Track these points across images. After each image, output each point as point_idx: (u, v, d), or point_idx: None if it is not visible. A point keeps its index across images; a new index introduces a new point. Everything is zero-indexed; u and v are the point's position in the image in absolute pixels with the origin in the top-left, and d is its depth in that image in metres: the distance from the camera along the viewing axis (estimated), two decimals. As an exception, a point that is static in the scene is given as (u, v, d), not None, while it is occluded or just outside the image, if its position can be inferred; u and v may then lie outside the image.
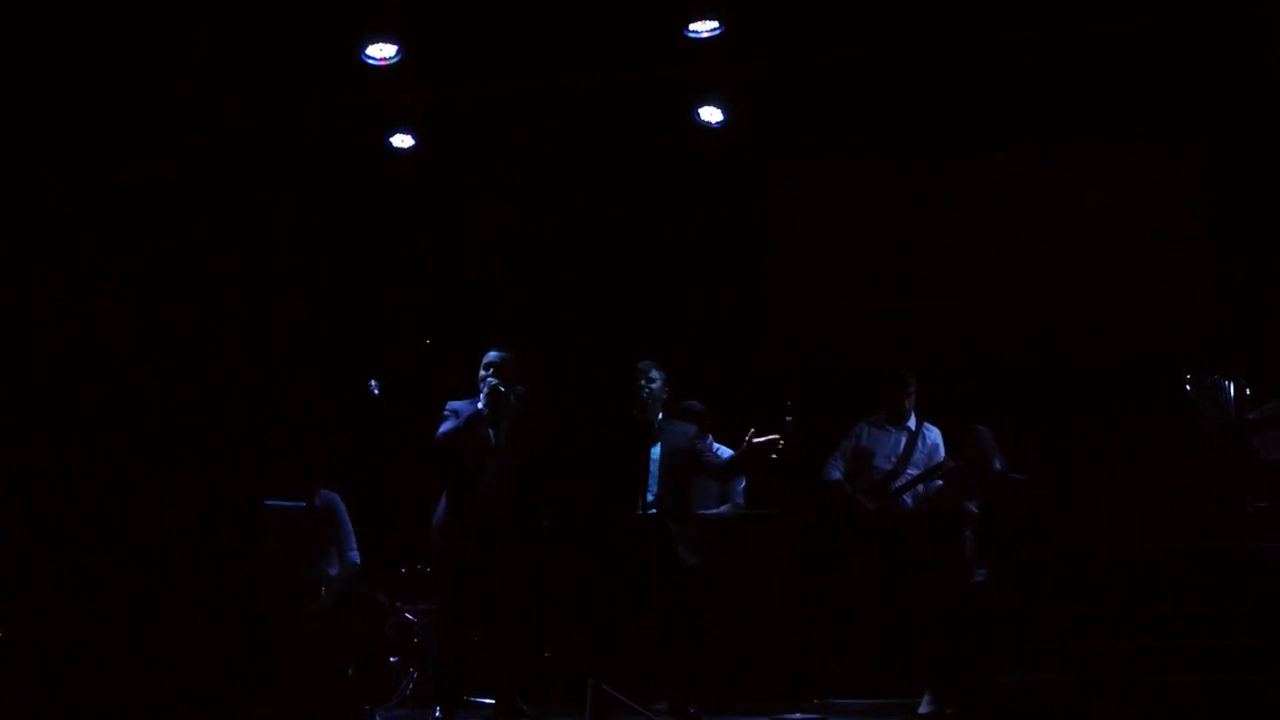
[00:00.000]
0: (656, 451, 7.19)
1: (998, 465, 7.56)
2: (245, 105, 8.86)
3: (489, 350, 7.33)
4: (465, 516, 7.17)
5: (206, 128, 8.85)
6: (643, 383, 7.28)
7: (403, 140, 9.04)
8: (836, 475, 8.02)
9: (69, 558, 7.79)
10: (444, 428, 7.22)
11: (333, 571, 7.74)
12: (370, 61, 8.16)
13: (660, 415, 7.23)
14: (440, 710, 7.11)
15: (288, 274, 9.40)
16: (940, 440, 8.05)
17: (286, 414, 9.10)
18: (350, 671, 7.46)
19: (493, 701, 7.32)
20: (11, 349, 8.01)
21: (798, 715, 7.12)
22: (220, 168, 8.99)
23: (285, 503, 7.74)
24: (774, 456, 6.82)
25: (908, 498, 7.93)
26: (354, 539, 7.84)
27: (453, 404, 7.29)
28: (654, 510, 7.07)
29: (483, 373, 7.24)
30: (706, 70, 8.49)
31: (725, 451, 8.25)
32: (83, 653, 7.50)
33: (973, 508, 7.41)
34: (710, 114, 8.79)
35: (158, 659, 7.54)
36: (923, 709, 7.11)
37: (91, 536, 7.96)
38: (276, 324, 9.28)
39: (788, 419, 7.48)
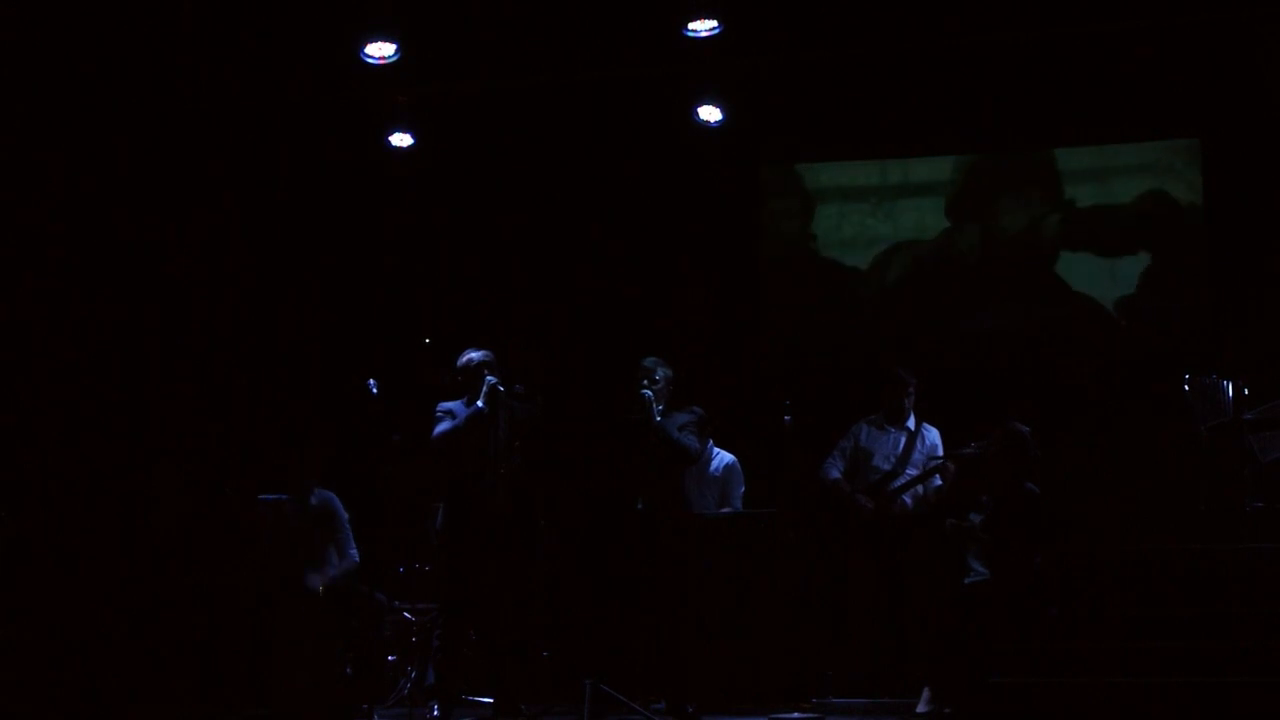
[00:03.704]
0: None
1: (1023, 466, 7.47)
2: (243, 105, 8.88)
3: (469, 349, 7.31)
4: (469, 516, 7.15)
5: (205, 128, 8.88)
6: (645, 381, 7.27)
7: (401, 139, 9.05)
8: (835, 475, 8.02)
9: (68, 558, 7.80)
10: (441, 428, 7.21)
11: (331, 571, 7.73)
12: (369, 61, 8.17)
13: (660, 413, 7.22)
14: (438, 709, 7.12)
15: (286, 273, 9.42)
16: (939, 441, 8.06)
17: (285, 413, 9.12)
18: (348, 671, 7.44)
19: (491, 700, 7.32)
20: (11, 349, 8.02)
21: (796, 715, 7.10)
22: (219, 168, 9.02)
23: (279, 496, 7.73)
24: None
25: (907, 498, 7.94)
26: (352, 537, 7.82)
27: (445, 404, 7.27)
28: (645, 506, 7.09)
29: (484, 373, 7.23)
30: (706, 70, 8.51)
31: (725, 456, 8.24)
32: (82, 652, 7.51)
33: (974, 518, 7.38)
34: (709, 113, 8.83)
35: (156, 658, 7.55)
36: (921, 708, 7.09)
37: (90, 536, 7.98)
38: (275, 323, 9.31)
39: (786, 419, 7.49)
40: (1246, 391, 7.75)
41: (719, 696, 7.47)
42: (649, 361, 7.32)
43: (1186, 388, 8.05)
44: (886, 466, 7.97)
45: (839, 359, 9.70)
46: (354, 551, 7.78)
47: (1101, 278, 9.54)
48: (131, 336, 8.64)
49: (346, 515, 7.85)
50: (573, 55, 8.58)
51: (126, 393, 8.57)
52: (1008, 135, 9.59)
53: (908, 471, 7.95)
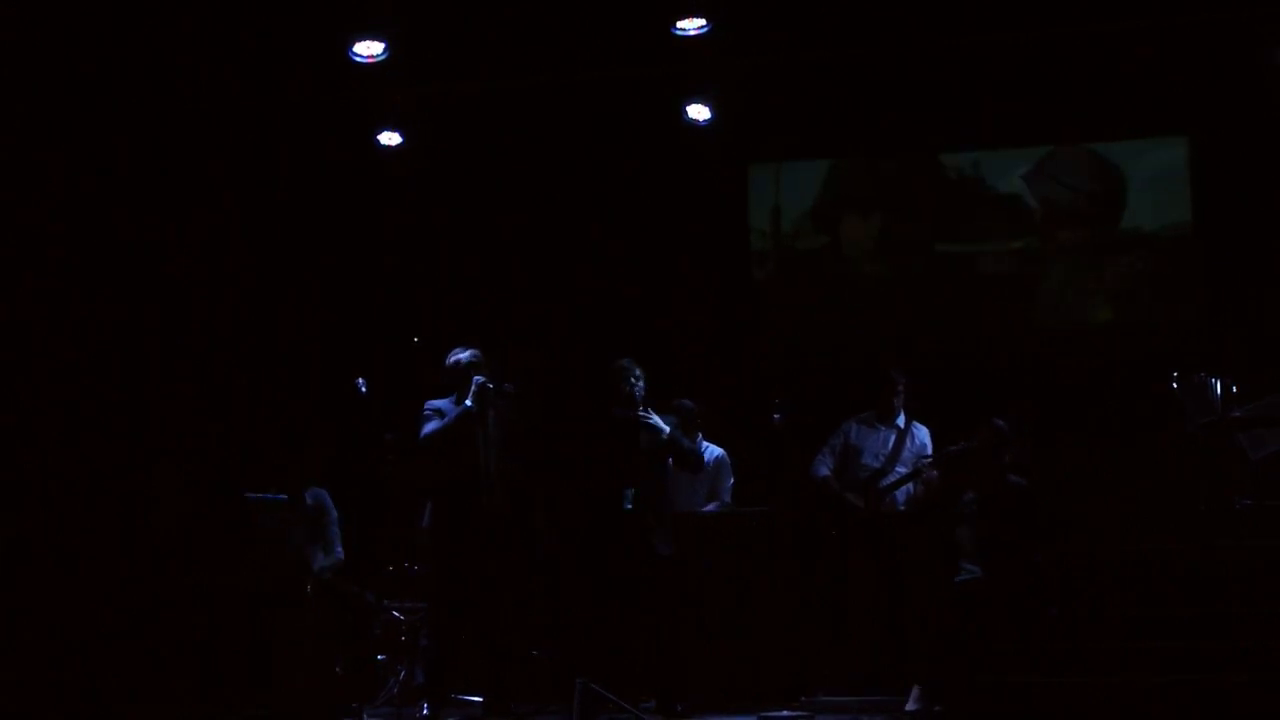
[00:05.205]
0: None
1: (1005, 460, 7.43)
2: (243, 105, 8.92)
3: (457, 349, 7.31)
4: (466, 516, 7.14)
5: (205, 128, 8.92)
6: (631, 380, 7.26)
7: (390, 139, 9.08)
8: (825, 472, 8.02)
9: (68, 558, 7.84)
10: (430, 427, 7.21)
11: (317, 565, 7.74)
12: (358, 59, 8.20)
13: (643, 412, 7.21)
14: (428, 708, 7.11)
15: (285, 273, 9.45)
16: (929, 440, 8.05)
17: (285, 413, 9.14)
18: (338, 669, 7.44)
19: (480, 699, 7.31)
20: (11, 349, 8.06)
21: (786, 713, 7.07)
22: (218, 168, 9.06)
23: (270, 495, 7.74)
24: None
25: (898, 495, 7.91)
26: (339, 535, 7.84)
27: (433, 403, 7.27)
28: (631, 506, 7.07)
29: (472, 372, 7.22)
30: (695, 68, 8.51)
31: (714, 450, 8.23)
32: (82, 652, 7.54)
33: (968, 495, 7.35)
34: (698, 112, 8.83)
35: (156, 658, 7.58)
36: (910, 706, 7.07)
37: (90, 536, 8.01)
38: (275, 323, 9.33)
39: (776, 417, 7.47)
40: (1235, 389, 7.69)
41: (715, 695, 7.47)
42: (626, 362, 7.32)
43: (1175, 386, 8.00)
44: (876, 464, 7.96)
45: (837, 358, 9.66)
46: (339, 549, 7.80)
47: (1099, 278, 9.47)
48: (131, 336, 8.67)
49: (336, 513, 7.86)
50: (563, 55, 8.59)
51: (126, 393, 8.60)
52: (1001, 134, 9.54)
53: (897, 469, 7.94)
